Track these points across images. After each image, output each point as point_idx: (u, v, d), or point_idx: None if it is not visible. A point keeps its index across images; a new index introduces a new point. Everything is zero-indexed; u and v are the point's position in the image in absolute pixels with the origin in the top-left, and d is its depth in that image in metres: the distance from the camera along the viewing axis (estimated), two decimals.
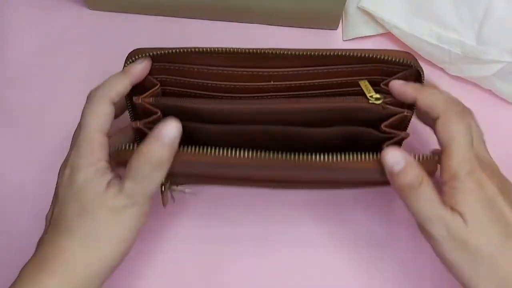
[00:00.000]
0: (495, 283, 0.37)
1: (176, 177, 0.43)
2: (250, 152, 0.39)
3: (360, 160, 0.38)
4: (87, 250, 0.39)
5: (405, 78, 0.42)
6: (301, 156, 0.39)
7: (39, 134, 0.56)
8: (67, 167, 0.41)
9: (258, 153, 0.39)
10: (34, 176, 0.55)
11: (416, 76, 0.43)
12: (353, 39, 0.57)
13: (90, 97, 0.41)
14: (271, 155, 0.39)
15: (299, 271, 0.51)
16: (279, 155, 0.39)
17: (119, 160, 0.40)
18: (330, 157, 0.38)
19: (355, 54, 0.41)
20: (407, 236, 0.51)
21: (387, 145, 0.39)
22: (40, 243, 0.40)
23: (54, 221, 0.40)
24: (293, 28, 0.58)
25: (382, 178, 0.39)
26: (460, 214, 0.38)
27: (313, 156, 0.38)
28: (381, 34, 0.57)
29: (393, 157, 0.38)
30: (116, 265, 0.40)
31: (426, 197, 0.38)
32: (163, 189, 0.43)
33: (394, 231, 0.51)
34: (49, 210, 0.42)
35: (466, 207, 0.38)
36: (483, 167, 0.39)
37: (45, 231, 0.41)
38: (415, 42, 0.55)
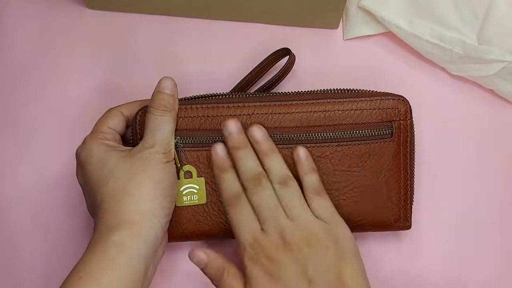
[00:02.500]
0: None
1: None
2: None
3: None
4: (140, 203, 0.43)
5: None
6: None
7: (38, 134, 0.56)
8: (82, 158, 0.46)
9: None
10: (34, 177, 0.55)
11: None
12: (353, 38, 0.57)
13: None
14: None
15: None
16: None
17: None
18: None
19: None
20: None
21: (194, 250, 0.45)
22: (99, 220, 0.44)
23: (100, 202, 0.44)
24: (293, 28, 0.58)
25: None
26: None
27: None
28: (381, 34, 0.57)
29: (196, 256, 0.45)
30: (167, 206, 0.45)
31: (228, 285, 0.45)
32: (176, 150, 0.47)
33: None
34: (88, 204, 0.46)
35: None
36: None
37: (96, 219, 0.44)
38: (416, 41, 0.55)
